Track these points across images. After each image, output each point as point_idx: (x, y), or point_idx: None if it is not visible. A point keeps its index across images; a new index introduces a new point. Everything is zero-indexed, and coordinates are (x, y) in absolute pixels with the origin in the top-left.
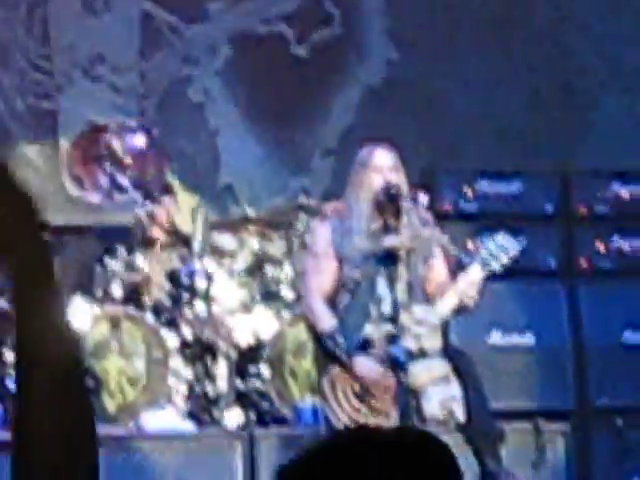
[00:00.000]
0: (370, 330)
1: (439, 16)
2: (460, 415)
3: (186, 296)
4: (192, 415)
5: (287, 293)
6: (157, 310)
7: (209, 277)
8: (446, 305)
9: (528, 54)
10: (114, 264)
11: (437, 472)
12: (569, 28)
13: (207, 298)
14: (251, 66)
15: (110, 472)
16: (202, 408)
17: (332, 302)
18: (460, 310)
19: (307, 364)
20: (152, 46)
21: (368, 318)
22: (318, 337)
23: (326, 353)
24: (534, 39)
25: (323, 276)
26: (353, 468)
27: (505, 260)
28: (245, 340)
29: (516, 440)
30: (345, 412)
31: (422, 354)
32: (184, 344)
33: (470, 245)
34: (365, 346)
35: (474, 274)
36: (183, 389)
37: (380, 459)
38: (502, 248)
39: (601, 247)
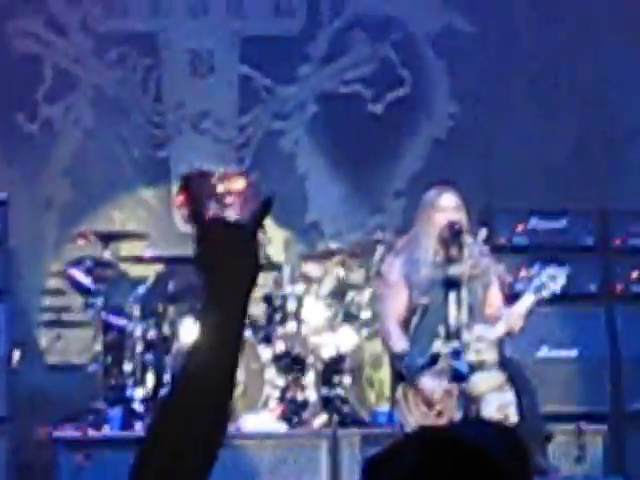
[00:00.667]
0: (438, 347)
1: (494, 73)
2: (514, 418)
3: (279, 316)
4: (284, 418)
5: (365, 314)
6: (254, 328)
7: (299, 300)
8: (499, 330)
9: (573, 106)
10: None
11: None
12: (606, 84)
13: (297, 318)
14: (334, 121)
15: (215, 466)
16: (293, 412)
17: (405, 324)
18: (509, 334)
19: (382, 374)
20: (249, 103)
21: (436, 336)
22: (392, 355)
23: (396, 370)
24: (577, 93)
25: (397, 302)
26: (425, 461)
27: (554, 288)
28: (329, 354)
29: (561, 439)
30: (415, 417)
31: (481, 366)
32: (277, 357)
33: (523, 274)
34: (434, 360)
35: (525, 302)
36: (277, 395)
37: (445, 453)
38: (552, 278)
39: (634, 274)
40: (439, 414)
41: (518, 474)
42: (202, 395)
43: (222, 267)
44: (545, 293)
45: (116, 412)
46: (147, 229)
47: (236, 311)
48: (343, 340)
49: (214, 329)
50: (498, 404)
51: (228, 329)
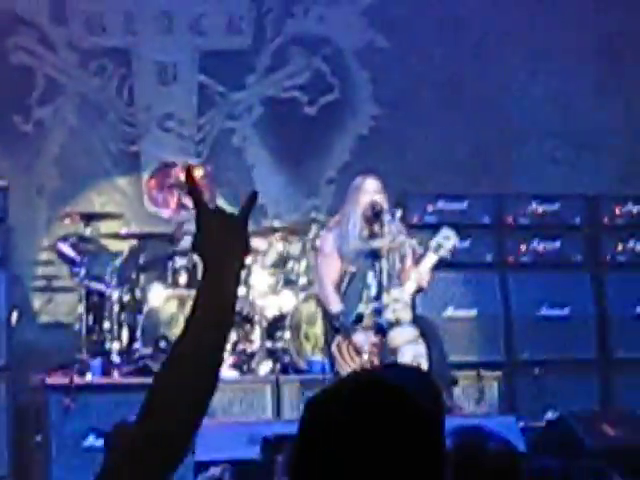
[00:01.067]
0: (363, 307)
1: (408, 82)
2: (425, 366)
3: None
4: (235, 366)
5: (302, 280)
6: None
7: (248, 269)
8: (410, 287)
9: (474, 111)
10: (179, 260)
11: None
12: (502, 93)
13: (246, 284)
14: (276, 121)
15: None
16: (243, 361)
17: (337, 289)
18: (418, 291)
19: (316, 330)
20: (206, 106)
21: (361, 299)
22: (326, 313)
23: (333, 327)
24: (478, 100)
25: (331, 270)
26: (358, 399)
27: (449, 247)
28: (272, 313)
29: (464, 383)
30: (347, 364)
31: (398, 323)
32: None
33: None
34: (360, 318)
35: (428, 261)
36: (229, 348)
37: (374, 392)
38: (446, 238)
39: (523, 248)
40: (367, 362)
41: (433, 410)
42: (202, 351)
43: (218, 250)
44: (442, 252)
45: (97, 362)
46: (122, 210)
47: (229, 286)
48: (284, 302)
49: (212, 301)
50: (412, 354)
51: (223, 301)
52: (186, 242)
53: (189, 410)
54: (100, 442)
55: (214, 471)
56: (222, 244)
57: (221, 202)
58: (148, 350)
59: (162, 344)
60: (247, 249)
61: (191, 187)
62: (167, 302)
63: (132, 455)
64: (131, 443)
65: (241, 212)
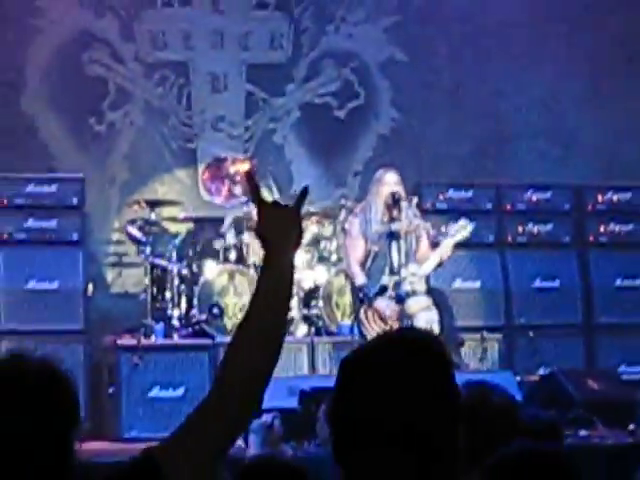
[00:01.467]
0: (385, 280)
1: (422, 90)
2: (437, 330)
3: None
4: None
5: (333, 257)
6: (256, 267)
7: None
8: (430, 264)
9: (476, 115)
10: (230, 239)
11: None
12: (499, 100)
13: None
14: (311, 123)
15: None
16: None
17: (363, 265)
18: (440, 265)
19: (345, 300)
20: (252, 110)
21: (383, 273)
22: (354, 286)
23: (358, 297)
24: (479, 106)
25: (357, 250)
26: (387, 350)
27: (465, 234)
28: (308, 285)
29: (470, 344)
30: (372, 328)
31: (414, 293)
32: None
33: (442, 229)
34: (383, 290)
35: (447, 244)
36: None
37: (399, 345)
38: (462, 226)
39: (520, 230)
40: (389, 327)
41: (449, 356)
42: (266, 325)
43: (278, 237)
44: (458, 237)
45: (159, 326)
46: (181, 198)
47: (287, 268)
48: (318, 276)
49: (273, 281)
50: (426, 320)
51: (283, 280)
52: (228, 222)
53: (255, 379)
54: (163, 393)
55: (266, 417)
56: (281, 232)
57: (265, 193)
58: (203, 316)
59: (215, 311)
60: (301, 236)
61: (251, 185)
62: (219, 275)
63: (208, 414)
64: (208, 404)
65: (295, 204)
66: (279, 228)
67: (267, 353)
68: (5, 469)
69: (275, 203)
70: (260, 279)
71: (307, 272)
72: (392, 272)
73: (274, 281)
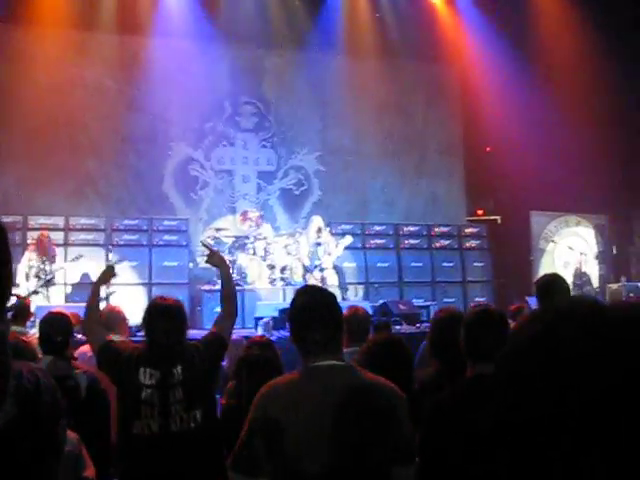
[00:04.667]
0: (316, 263)
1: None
2: (336, 284)
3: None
4: (271, 282)
5: (294, 253)
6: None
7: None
8: (334, 256)
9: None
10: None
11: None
12: None
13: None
14: (286, 197)
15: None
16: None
17: (307, 256)
18: (337, 256)
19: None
20: (259, 190)
21: (316, 259)
22: (304, 265)
23: (306, 270)
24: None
25: (304, 249)
26: (315, 289)
27: (347, 243)
28: (285, 263)
29: (352, 290)
30: (310, 282)
31: (327, 269)
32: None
33: (338, 240)
34: (315, 267)
35: (340, 247)
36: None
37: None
38: (347, 239)
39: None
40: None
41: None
42: (230, 284)
43: (220, 262)
44: (345, 243)
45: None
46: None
47: (227, 269)
48: (290, 261)
49: (227, 272)
50: (331, 281)
51: (228, 273)
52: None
53: (232, 299)
54: None
55: (266, 320)
56: (219, 259)
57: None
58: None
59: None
60: (222, 259)
61: (209, 248)
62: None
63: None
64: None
65: (215, 253)
66: (218, 259)
67: (232, 292)
68: None
69: (212, 253)
70: (222, 273)
71: (289, 258)
72: (319, 259)
73: (226, 273)
